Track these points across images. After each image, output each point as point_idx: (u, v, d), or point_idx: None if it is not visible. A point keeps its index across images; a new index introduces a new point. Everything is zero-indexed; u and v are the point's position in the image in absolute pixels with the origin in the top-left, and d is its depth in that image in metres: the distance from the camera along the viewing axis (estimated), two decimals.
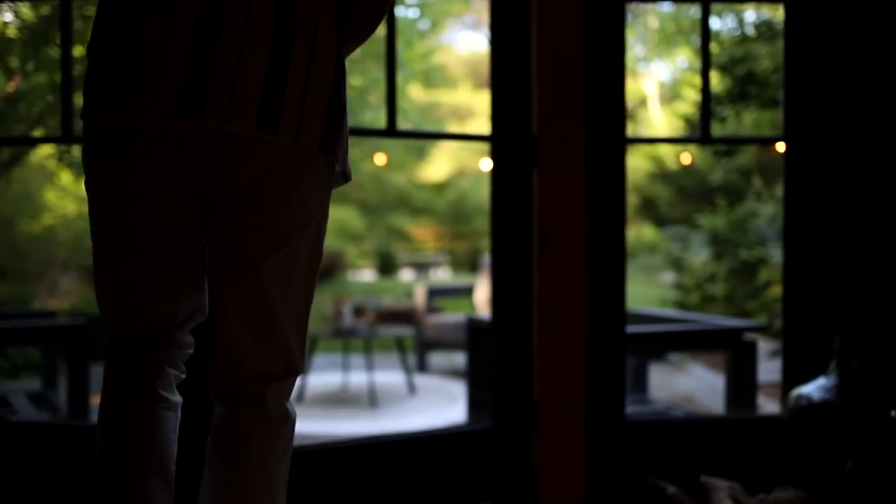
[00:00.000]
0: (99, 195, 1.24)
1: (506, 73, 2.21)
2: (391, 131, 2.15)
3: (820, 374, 2.03)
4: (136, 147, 1.17)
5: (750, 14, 8.32)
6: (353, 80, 6.85)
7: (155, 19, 1.15)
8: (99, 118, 1.19)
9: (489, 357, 3.31)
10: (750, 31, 8.18)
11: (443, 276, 19.87)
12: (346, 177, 1.32)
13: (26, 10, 5.66)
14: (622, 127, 2.26)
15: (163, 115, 1.14)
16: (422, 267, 20.10)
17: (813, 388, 1.97)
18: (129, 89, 1.15)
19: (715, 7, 11.03)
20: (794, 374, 2.24)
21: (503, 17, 2.21)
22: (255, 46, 1.15)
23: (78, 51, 5.90)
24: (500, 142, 2.21)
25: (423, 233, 23.28)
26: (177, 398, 1.33)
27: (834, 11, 2.24)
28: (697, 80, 10.65)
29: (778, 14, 8.00)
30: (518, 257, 2.23)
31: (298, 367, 1.31)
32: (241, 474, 1.26)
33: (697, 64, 11.26)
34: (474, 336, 3.34)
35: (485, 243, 22.80)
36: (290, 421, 1.31)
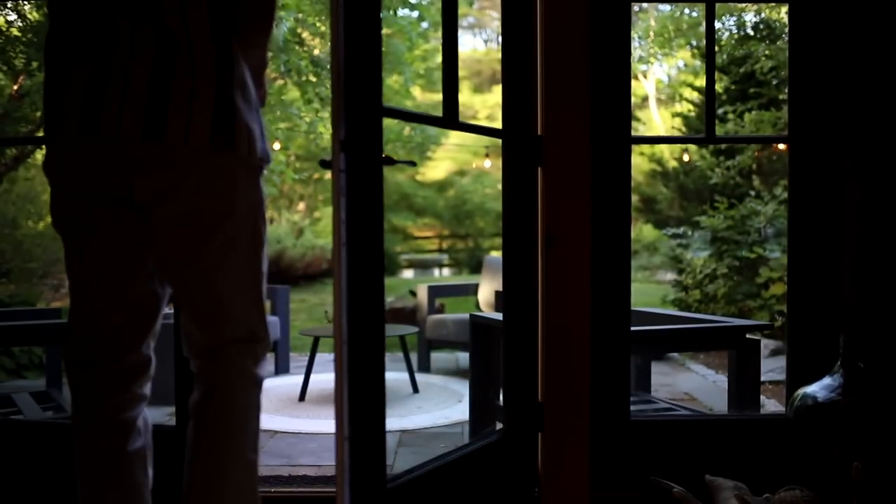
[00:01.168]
0: (51, 200, 1.48)
1: (512, 73, 2.22)
2: (452, 122, 2.09)
3: (825, 374, 2.04)
4: (58, 158, 1.42)
5: (749, 15, 8.33)
6: None
7: (65, 51, 1.39)
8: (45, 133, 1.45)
9: (493, 355, 3.32)
10: (750, 31, 8.19)
11: (444, 275, 19.89)
12: (266, 161, 1.50)
13: (30, 11, 5.67)
14: (627, 126, 2.27)
15: (67, 131, 1.36)
16: (423, 266, 20.12)
17: (818, 388, 1.97)
18: (51, 111, 1.39)
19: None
20: (799, 373, 2.25)
21: (511, 16, 2.22)
22: (138, 71, 1.35)
23: None
24: (508, 141, 2.22)
25: (424, 232, 23.32)
26: (145, 423, 1.59)
27: (838, 10, 2.25)
28: (697, 80, 10.65)
29: (776, 14, 8.00)
30: (524, 256, 2.24)
31: (260, 335, 1.50)
32: (210, 434, 1.43)
33: (696, 64, 11.28)
34: (477, 334, 3.34)
35: (486, 242, 22.88)
36: (255, 380, 1.50)
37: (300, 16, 5.87)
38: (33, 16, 5.63)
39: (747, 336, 3.06)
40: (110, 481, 1.45)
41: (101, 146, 1.36)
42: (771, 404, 4.34)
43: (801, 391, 2.02)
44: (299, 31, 6.54)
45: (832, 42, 2.26)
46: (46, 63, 1.43)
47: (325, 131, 7.69)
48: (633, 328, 2.28)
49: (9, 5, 5.58)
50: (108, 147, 1.36)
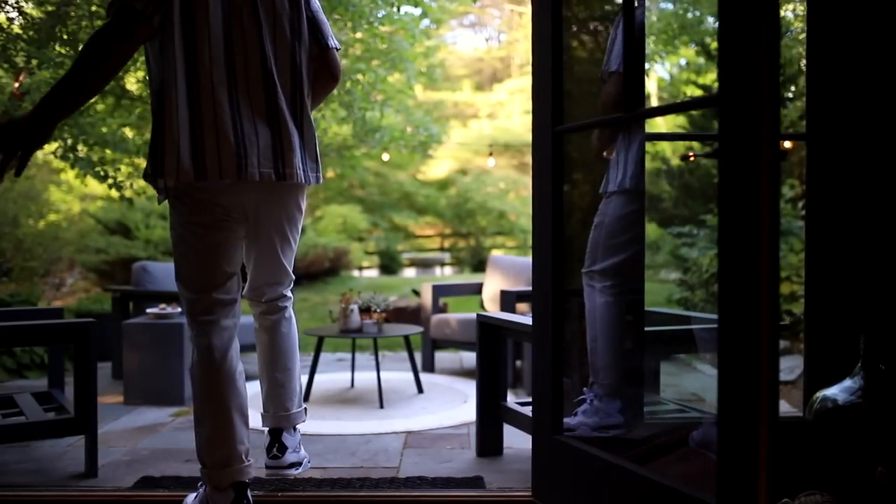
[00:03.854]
0: (201, 220, 2.23)
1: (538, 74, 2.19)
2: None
3: (844, 376, 2.00)
4: (222, 190, 2.21)
5: None
6: (360, 76, 6.81)
7: (237, 116, 2.17)
8: (206, 182, 2.16)
9: (500, 355, 3.27)
10: None
11: (446, 273, 19.86)
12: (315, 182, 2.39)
13: (30, 9, 5.63)
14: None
15: (248, 178, 2.17)
16: (424, 265, 20.10)
17: (838, 391, 1.93)
18: (234, 163, 2.15)
19: (716, 7, 10.97)
20: (817, 375, 2.20)
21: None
22: (287, 143, 2.22)
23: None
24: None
25: (425, 230, 23.30)
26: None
27: (857, 6, 2.20)
28: (700, 78, 10.55)
29: (781, 12, 7.94)
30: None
31: (291, 277, 2.53)
32: (279, 340, 2.51)
33: (700, 62, 11.19)
34: (485, 334, 3.30)
35: (487, 241, 22.79)
36: (292, 314, 2.57)
37: None
38: (34, 13, 5.59)
39: None
40: (232, 389, 2.23)
41: (259, 185, 2.24)
42: (780, 405, 4.29)
43: (820, 393, 1.98)
44: None
45: (851, 39, 2.22)
46: (217, 121, 2.09)
47: (328, 128, 7.64)
48: (647, 328, 2.24)
49: (10, 2, 5.54)
50: (264, 186, 2.25)
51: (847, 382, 1.94)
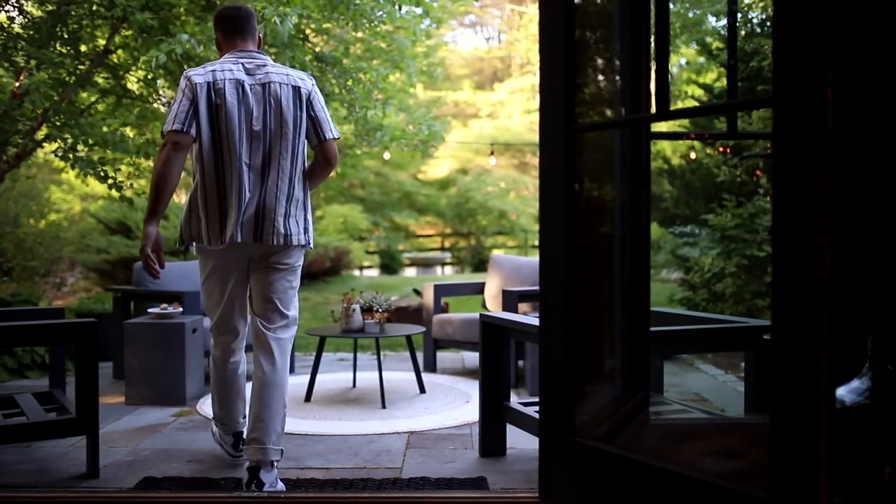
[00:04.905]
0: (215, 264, 2.93)
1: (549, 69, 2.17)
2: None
3: (851, 377, 1.98)
4: (230, 250, 2.86)
5: (755, 13, 8.27)
6: (362, 74, 6.79)
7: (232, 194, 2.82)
8: (216, 243, 2.83)
9: (503, 355, 3.26)
10: (757, 28, 8.12)
11: (447, 273, 19.85)
12: (308, 245, 2.96)
13: (31, 8, 5.61)
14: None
15: (240, 240, 2.80)
16: (425, 265, 20.09)
17: (845, 392, 1.92)
18: (228, 230, 2.79)
19: (716, 6, 10.97)
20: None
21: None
22: (274, 215, 2.82)
23: (82, 48, 5.79)
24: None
25: (426, 230, 23.27)
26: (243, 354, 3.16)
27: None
28: (701, 77, 10.54)
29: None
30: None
31: (291, 315, 2.96)
32: (267, 382, 2.82)
33: (700, 61, 11.16)
34: (487, 334, 3.28)
35: (488, 241, 22.73)
36: (289, 348, 2.95)
37: (304, 12, 5.80)
38: (35, 12, 5.57)
39: (765, 336, 3.00)
40: (233, 384, 3.08)
41: (251, 245, 2.85)
42: None
43: None
44: (303, 27, 6.47)
45: (859, 34, 2.20)
46: (216, 199, 2.80)
47: None
48: (652, 328, 2.23)
49: (10, 1, 5.53)
50: (255, 246, 2.85)
51: (855, 383, 1.93)
